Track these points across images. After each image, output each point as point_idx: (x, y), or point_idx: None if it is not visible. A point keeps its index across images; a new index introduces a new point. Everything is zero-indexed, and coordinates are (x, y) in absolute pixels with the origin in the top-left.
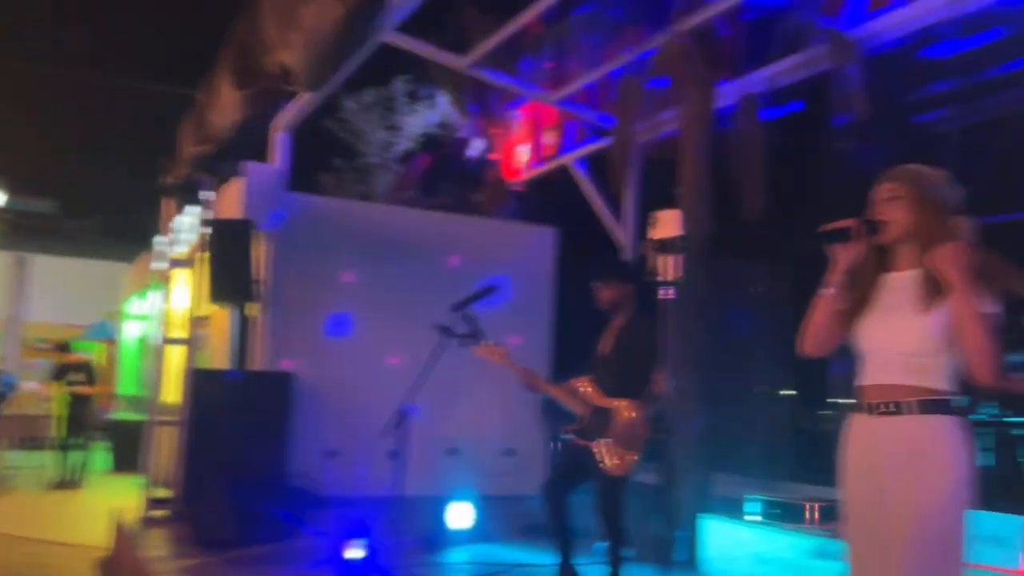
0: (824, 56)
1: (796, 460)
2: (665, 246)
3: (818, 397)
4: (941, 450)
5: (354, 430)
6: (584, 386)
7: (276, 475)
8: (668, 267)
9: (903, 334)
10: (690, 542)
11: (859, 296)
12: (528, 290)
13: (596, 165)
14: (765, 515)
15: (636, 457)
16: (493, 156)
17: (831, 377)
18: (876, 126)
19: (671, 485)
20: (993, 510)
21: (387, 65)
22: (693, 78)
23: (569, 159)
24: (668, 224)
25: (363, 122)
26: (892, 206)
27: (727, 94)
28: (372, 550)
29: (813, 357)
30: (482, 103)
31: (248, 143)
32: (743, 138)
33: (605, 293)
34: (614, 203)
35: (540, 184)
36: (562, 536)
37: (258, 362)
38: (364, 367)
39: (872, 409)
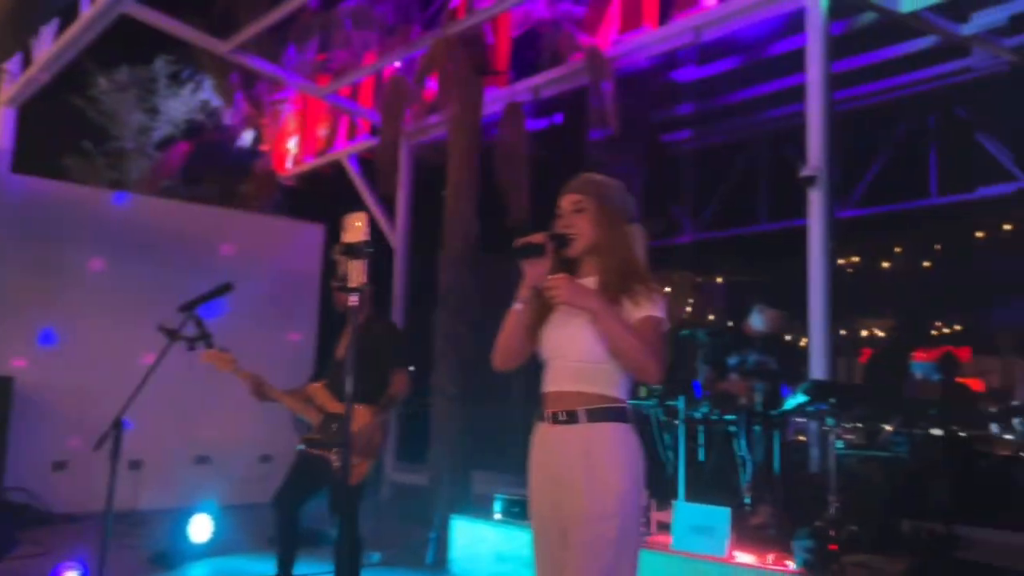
0: (582, 71)
1: None
2: (352, 251)
3: None
4: (611, 457)
5: (89, 439)
6: (317, 392)
7: None
8: (354, 273)
9: (576, 343)
10: (444, 542)
11: (543, 306)
12: (295, 287)
13: (370, 163)
14: (506, 513)
15: (370, 464)
16: (262, 147)
17: None
18: (627, 141)
19: (428, 487)
20: (704, 502)
21: (148, 42)
22: (460, 82)
23: (341, 155)
24: (356, 228)
25: (117, 102)
26: (578, 219)
27: (494, 101)
28: (88, 571)
29: (504, 371)
30: (249, 91)
31: None
32: (508, 144)
33: (342, 295)
34: (388, 202)
35: (312, 179)
36: (286, 547)
37: None
38: (104, 369)
39: (549, 418)
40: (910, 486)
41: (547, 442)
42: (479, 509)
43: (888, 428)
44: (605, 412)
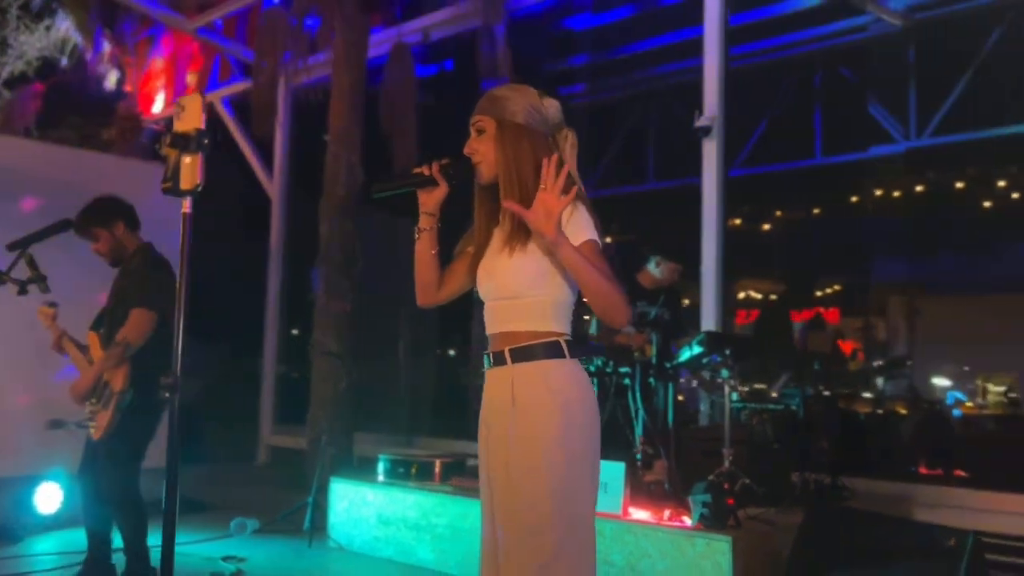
0: (473, 12)
1: (444, 417)
2: (184, 142)
3: (464, 353)
4: (537, 398)
5: None
6: (93, 341)
7: None
8: (187, 171)
9: (501, 279)
10: (323, 507)
11: (479, 241)
12: (161, 235)
13: (245, 106)
14: (390, 474)
15: (109, 415)
16: (126, 89)
17: (476, 333)
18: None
19: (307, 449)
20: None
21: None
22: (344, 18)
23: (214, 97)
24: (190, 113)
25: None
26: (480, 141)
27: (381, 43)
28: None
29: (428, 308)
30: (112, 27)
31: None
32: (395, 88)
33: (98, 246)
34: (265, 149)
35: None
36: (95, 521)
37: None
38: None
39: (487, 361)
40: (797, 439)
41: (486, 388)
42: (362, 472)
43: (779, 382)
44: (532, 349)
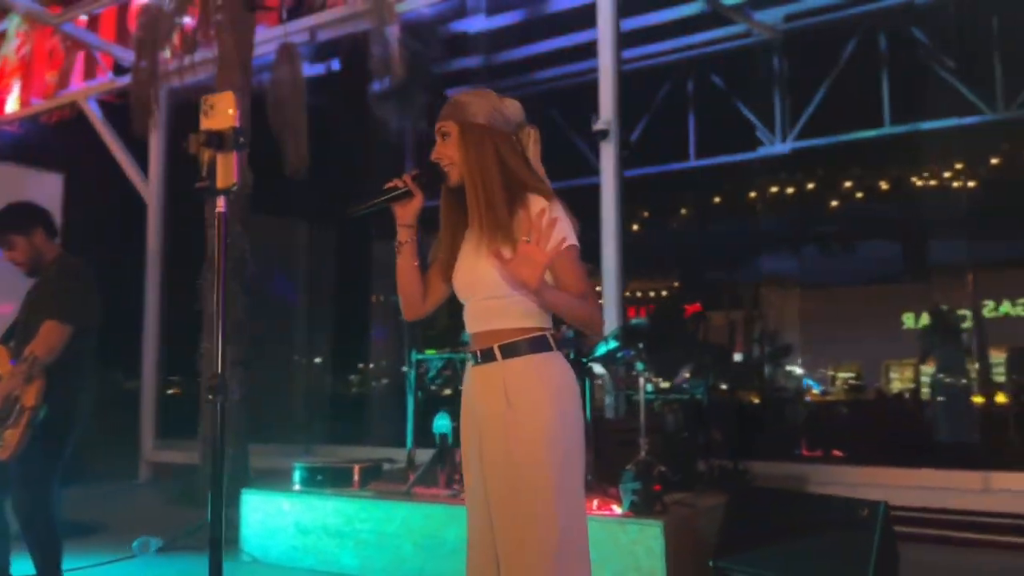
0: (364, 13)
1: (337, 424)
2: (219, 141)
3: (353, 361)
4: (530, 393)
5: None
6: (1, 355)
7: None
8: (223, 169)
9: (480, 280)
10: (230, 520)
11: (448, 246)
12: None
13: (114, 106)
14: (307, 483)
15: (19, 433)
16: None
17: (370, 341)
18: (412, 95)
19: (206, 462)
20: None
21: None
22: (228, 16)
23: (79, 96)
24: (222, 111)
25: None
26: (445, 146)
27: (265, 42)
28: None
29: (417, 320)
30: None
31: None
32: (283, 89)
33: (13, 255)
34: (139, 151)
35: (46, 123)
36: None
37: None
38: None
39: (471, 358)
40: (703, 428)
41: (472, 385)
42: (260, 483)
43: (681, 374)
44: (520, 345)
